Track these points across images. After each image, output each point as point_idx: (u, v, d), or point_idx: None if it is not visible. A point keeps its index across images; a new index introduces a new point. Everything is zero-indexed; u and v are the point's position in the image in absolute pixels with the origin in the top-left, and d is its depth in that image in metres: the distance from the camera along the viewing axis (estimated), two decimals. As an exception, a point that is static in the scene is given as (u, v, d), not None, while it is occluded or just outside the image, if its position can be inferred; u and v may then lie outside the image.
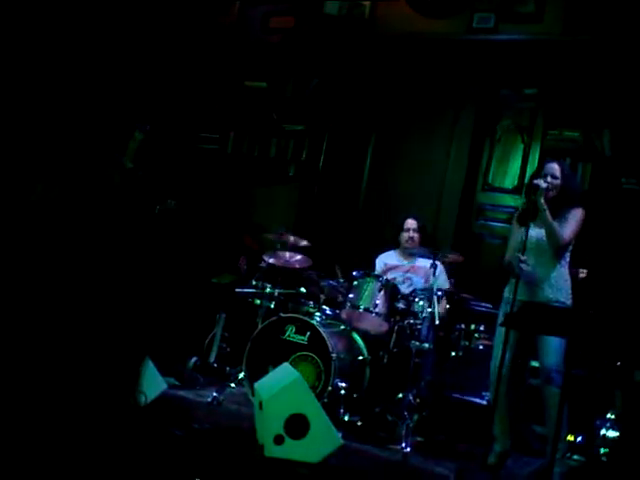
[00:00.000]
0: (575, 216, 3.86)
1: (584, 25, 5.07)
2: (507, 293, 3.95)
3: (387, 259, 5.09)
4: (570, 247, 3.92)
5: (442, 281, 4.76)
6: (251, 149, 6.31)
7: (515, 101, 5.65)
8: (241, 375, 4.51)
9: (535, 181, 3.85)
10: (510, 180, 5.58)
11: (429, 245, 4.82)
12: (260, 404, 3.58)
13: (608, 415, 4.02)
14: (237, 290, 4.96)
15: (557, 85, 5.35)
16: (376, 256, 5.17)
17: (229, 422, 4.11)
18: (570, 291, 3.88)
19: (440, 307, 4.42)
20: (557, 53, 5.24)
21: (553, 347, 3.70)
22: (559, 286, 3.84)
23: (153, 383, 3.85)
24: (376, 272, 5.04)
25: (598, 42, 4.94)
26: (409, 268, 4.94)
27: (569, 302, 3.85)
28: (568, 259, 3.92)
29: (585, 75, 5.15)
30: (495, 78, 5.68)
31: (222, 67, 6.51)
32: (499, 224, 5.64)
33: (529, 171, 5.46)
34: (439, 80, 5.87)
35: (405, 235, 4.98)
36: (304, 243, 5.06)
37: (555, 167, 3.91)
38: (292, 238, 5.05)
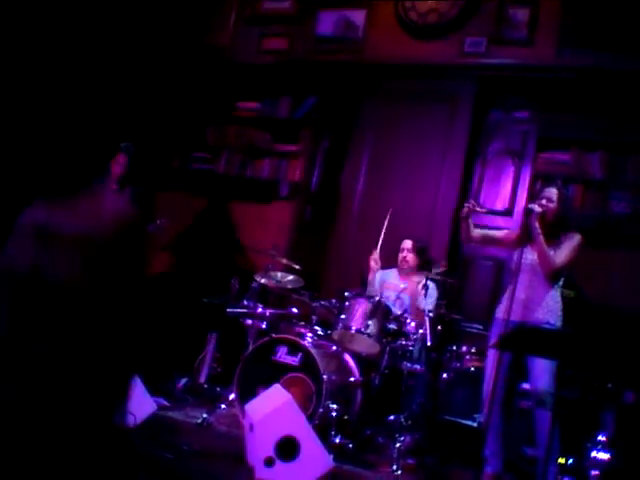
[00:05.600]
0: (571, 242, 3.87)
1: (576, 49, 5.13)
2: (498, 314, 3.96)
3: (386, 276, 5.11)
4: (565, 272, 3.93)
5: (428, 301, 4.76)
6: (243, 169, 6.31)
7: (506, 124, 5.69)
8: (232, 396, 4.48)
9: (530, 205, 3.88)
10: (501, 202, 5.60)
11: (427, 267, 4.82)
12: (251, 426, 3.56)
13: (599, 437, 4.01)
14: (228, 310, 4.93)
15: (548, 109, 5.40)
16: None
17: (219, 444, 4.08)
18: (560, 313, 3.90)
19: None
20: (548, 77, 5.29)
21: (544, 370, 3.71)
22: (550, 308, 3.86)
23: (142, 404, 3.82)
24: (375, 285, 5.05)
25: (589, 66, 5.00)
26: (403, 289, 4.95)
27: (559, 324, 3.87)
28: (561, 282, 3.94)
29: (576, 99, 5.20)
30: (486, 101, 5.74)
31: (215, 87, 6.54)
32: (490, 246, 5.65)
33: (519, 194, 5.52)
34: (431, 101, 5.92)
35: (400, 255, 5.02)
36: (295, 264, 5.05)
37: (553, 191, 3.95)
38: (284, 258, 5.05)
